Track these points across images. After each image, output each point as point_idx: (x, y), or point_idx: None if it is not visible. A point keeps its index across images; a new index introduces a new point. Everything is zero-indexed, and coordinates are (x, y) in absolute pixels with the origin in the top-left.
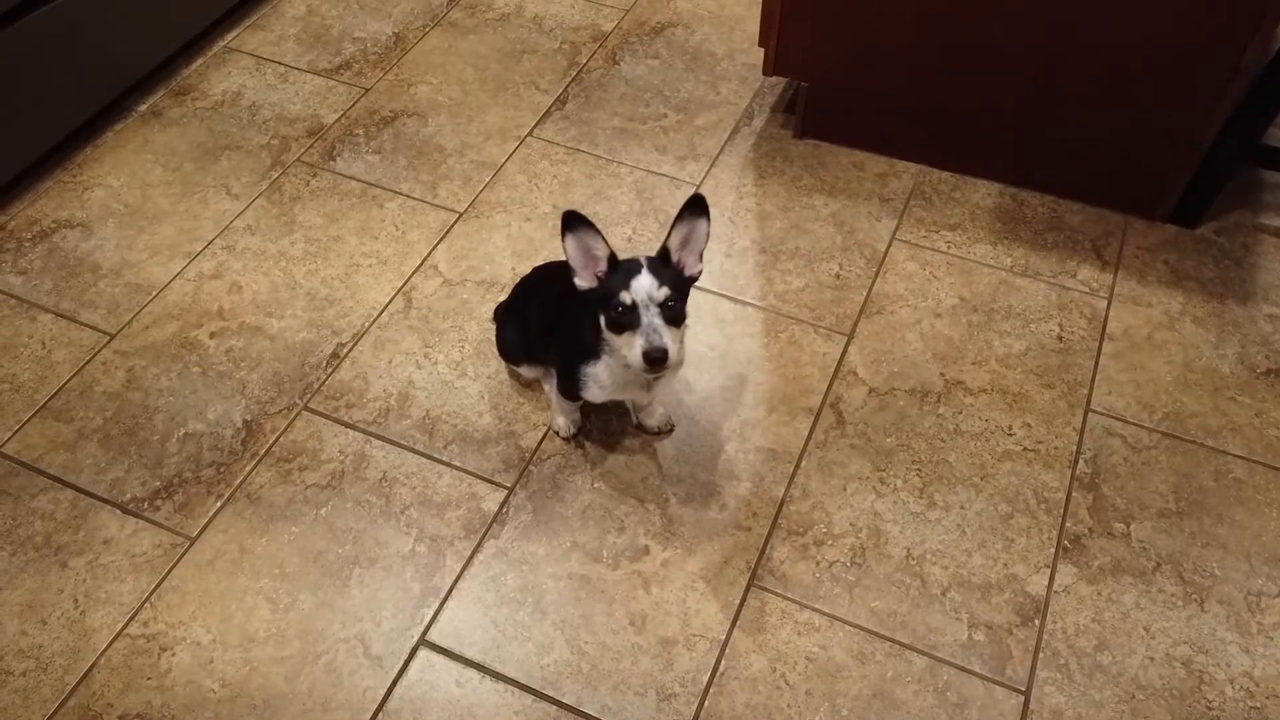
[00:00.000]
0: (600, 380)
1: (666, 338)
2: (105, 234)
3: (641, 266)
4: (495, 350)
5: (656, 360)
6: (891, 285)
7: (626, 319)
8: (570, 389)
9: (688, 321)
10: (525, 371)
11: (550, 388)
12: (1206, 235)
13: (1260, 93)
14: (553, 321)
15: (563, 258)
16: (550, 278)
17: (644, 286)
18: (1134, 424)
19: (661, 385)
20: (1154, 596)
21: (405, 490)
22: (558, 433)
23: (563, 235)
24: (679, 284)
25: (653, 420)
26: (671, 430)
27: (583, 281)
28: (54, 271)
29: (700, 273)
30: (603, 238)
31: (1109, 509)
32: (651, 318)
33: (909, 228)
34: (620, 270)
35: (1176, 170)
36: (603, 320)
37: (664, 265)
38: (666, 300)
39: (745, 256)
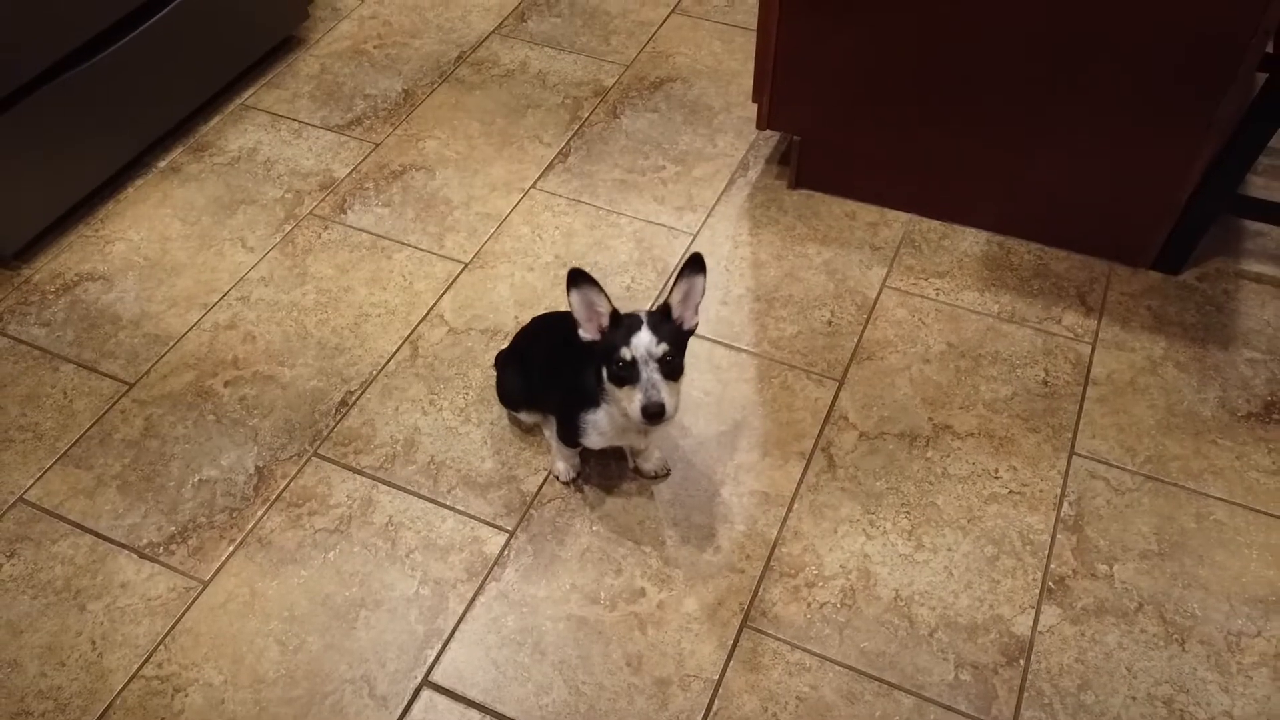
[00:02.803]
0: (600, 427)
1: (664, 392)
2: (125, 286)
3: (642, 323)
4: (497, 397)
5: (654, 415)
6: (882, 331)
7: (627, 373)
8: (571, 436)
9: (685, 370)
10: (525, 417)
11: (550, 433)
12: (1188, 282)
13: (1236, 145)
14: (554, 370)
15: (563, 307)
16: (551, 327)
17: (643, 343)
18: (1117, 467)
19: (658, 431)
20: (1136, 637)
21: (410, 534)
22: (557, 477)
23: (568, 291)
24: (678, 339)
25: (650, 465)
26: (668, 474)
27: (586, 334)
28: (76, 323)
29: (697, 325)
30: (605, 294)
31: (1092, 550)
32: (650, 373)
33: (899, 275)
34: (622, 326)
35: (1158, 220)
36: (605, 372)
37: (664, 321)
38: (665, 356)
39: (740, 304)
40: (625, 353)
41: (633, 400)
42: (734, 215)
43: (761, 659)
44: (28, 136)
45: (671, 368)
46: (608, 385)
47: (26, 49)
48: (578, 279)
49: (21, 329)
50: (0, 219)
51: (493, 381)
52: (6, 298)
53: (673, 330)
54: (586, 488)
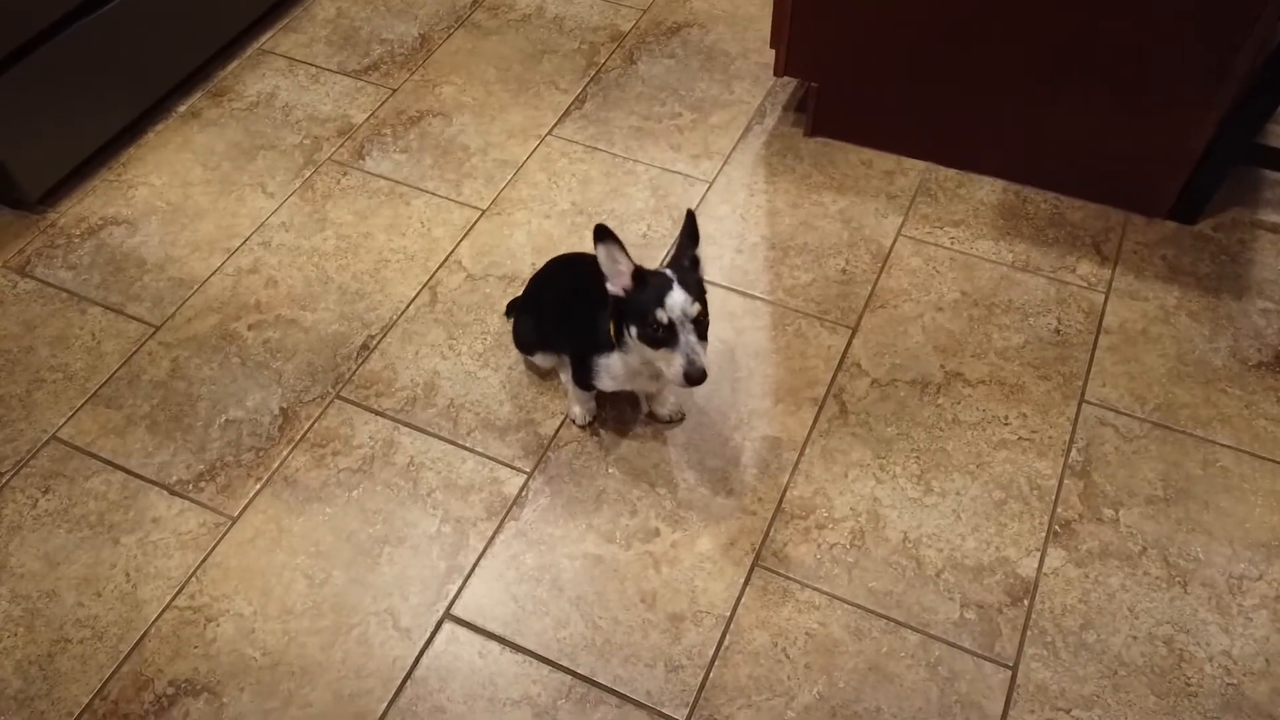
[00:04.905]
0: (613, 371)
1: (704, 356)
2: (149, 231)
3: (672, 281)
4: (513, 342)
5: (696, 379)
6: (896, 280)
7: (664, 336)
8: (584, 379)
9: None
10: (540, 360)
11: (566, 378)
12: (1204, 231)
13: (1255, 95)
14: (568, 313)
15: (577, 250)
16: (565, 270)
17: (679, 304)
18: (1126, 414)
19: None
20: (1139, 579)
21: (431, 474)
22: (574, 421)
23: (595, 244)
24: (704, 294)
25: (664, 409)
26: (682, 419)
27: (614, 287)
28: (102, 267)
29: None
30: (625, 253)
31: (1099, 496)
32: (688, 335)
33: (914, 224)
34: (649, 285)
35: (1174, 169)
36: (634, 331)
37: (692, 275)
38: (700, 316)
39: (755, 252)
40: (661, 314)
41: (672, 364)
42: (750, 163)
43: (772, 597)
44: (48, 82)
45: (704, 327)
46: (634, 341)
47: None
48: (603, 235)
49: (49, 272)
50: (24, 163)
51: (510, 327)
52: (33, 240)
53: (698, 283)
54: (602, 431)
